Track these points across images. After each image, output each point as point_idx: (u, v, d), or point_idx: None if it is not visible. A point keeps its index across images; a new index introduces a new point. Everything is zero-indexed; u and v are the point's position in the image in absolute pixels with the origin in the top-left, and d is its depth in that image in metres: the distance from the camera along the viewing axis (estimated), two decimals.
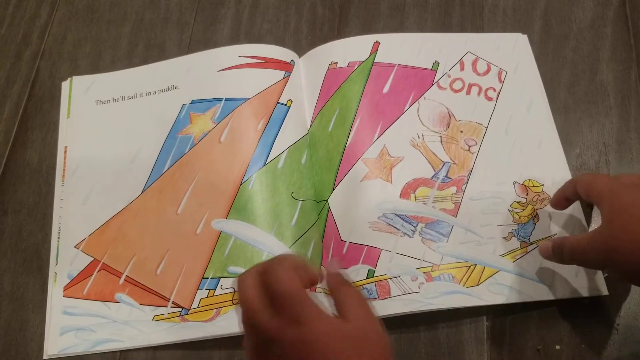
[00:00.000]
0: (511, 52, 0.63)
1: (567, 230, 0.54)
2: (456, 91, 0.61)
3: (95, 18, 0.70)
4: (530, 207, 0.55)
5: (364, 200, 0.56)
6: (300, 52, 0.65)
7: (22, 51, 0.68)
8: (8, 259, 0.57)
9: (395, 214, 0.55)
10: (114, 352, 0.53)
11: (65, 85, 0.65)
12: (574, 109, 0.60)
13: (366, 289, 0.52)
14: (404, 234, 0.54)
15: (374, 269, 0.53)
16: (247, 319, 0.38)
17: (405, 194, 0.56)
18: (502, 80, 0.62)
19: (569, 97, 0.61)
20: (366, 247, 0.54)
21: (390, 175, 0.57)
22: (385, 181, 0.56)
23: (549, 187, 0.56)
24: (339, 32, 0.67)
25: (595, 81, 0.61)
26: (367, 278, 0.52)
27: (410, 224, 0.54)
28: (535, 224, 0.55)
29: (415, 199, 0.56)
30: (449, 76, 0.62)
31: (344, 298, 0.39)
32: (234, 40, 0.67)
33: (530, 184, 0.56)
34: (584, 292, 0.51)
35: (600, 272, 0.51)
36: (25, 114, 0.64)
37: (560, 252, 0.48)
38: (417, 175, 0.57)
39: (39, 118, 0.64)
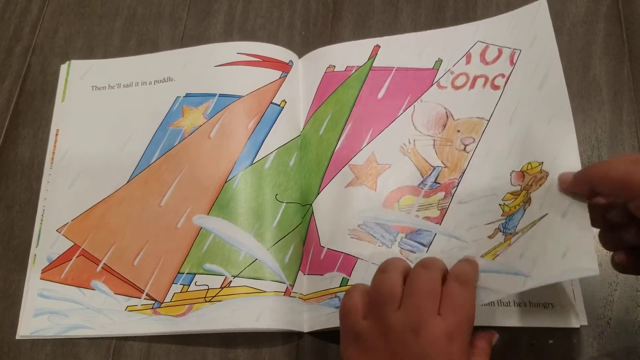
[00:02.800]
0: (529, 26, 0.59)
1: (561, 208, 0.45)
2: (458, 88, 0.58)
3: (87, 13, 0.69)
4: (523, 192, 0.50)
5: (347, 207, 0.55)
6: (294, 47, 0.64)
7: (13, 46, 0.68)
8: (0, 255, 0.58)
9: (376, 223, 0.54)
10: (108, 344, 0.53)
11: (62, 68, 0.65)
12: None
13: (338, 297, 0.51)
14: (383, 244, 0.53)
15: (348, 278, 0.52)
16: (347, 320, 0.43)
17: (388, 203, 0.55)
18: (514, 61, 0.58)
19: None
20: (343, 254, 0.53)
21: (376, 183, 0.56)
22: (369, 189, 0.55)
23: (550, 163, 0.49)
24: (332, 27, 0.66)
25: (587, 76, 0.60)
26: (340, 286, 0.52)
27: (390, 234, 0.54)
28: (525, 210, 0.49)
29: (399, 208, 0.55)
30: (452, 73, 0.59)
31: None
32: (227, 35, 0.66)
33: (529, 167, 0.52)
34: (572, 275, 0.43)
35: (593, 247, 0.42)
36: (16, 109, 0.64)
37: (582, 175, 0.44)
38: (404, 183, 0.55)
39: (30, 114, 0.64)
